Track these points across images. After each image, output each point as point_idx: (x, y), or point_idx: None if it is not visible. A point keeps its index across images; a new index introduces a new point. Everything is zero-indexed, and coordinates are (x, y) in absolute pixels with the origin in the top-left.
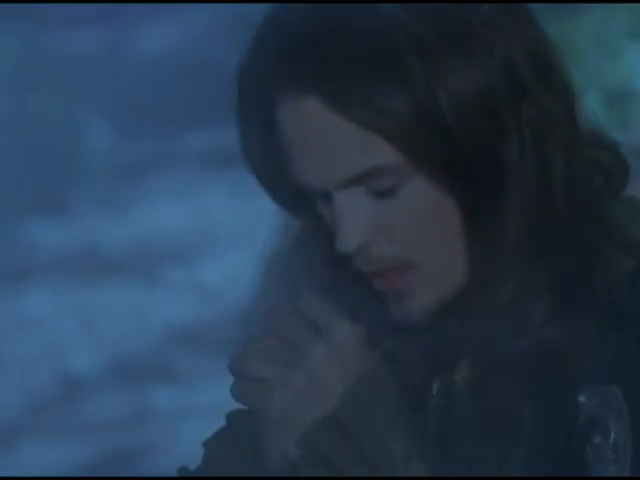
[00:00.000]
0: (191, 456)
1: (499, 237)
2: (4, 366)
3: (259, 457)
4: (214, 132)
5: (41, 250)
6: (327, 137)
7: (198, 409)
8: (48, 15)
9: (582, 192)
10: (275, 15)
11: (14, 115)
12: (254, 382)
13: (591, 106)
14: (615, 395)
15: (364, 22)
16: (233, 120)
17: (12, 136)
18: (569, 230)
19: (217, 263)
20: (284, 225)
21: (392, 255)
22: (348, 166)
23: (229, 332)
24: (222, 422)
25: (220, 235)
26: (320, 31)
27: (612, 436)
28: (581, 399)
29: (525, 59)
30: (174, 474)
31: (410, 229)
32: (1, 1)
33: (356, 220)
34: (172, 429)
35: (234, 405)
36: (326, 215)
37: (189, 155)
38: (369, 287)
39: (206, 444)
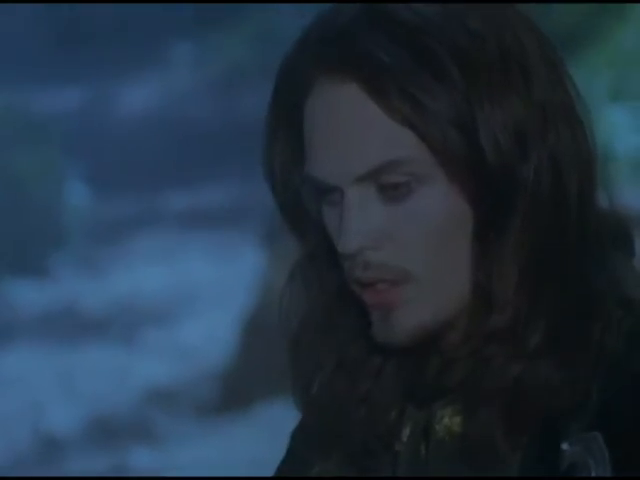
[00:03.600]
0: None
1: (507, 257)
2: None
3: None
4: (194, 192)
5: (21, 310)
6: (356, 125)
7: (177, 469)
8: (29, 73)
9: (593, 239)
10: (324, 13)
11: None
12: None
13: None
14: (597, 441)
15: (413, 25)
16: (213, 180)
17: None
18: (576, 268)
19: (196, 323)
20: (263, 285)
21: (393, 264)
22: (369, 158)
23: (208, 392)
24: None
25: (199, 295)
26: (370, 24)
27: None
28: (564, 447)
29: (558, 103)
30: None
31: (416, 238)
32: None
33: (362, 220)
34: None
35: (212, 464)
36: (331, 221)
37: (169, 216)
38: (359, 316)
39: None
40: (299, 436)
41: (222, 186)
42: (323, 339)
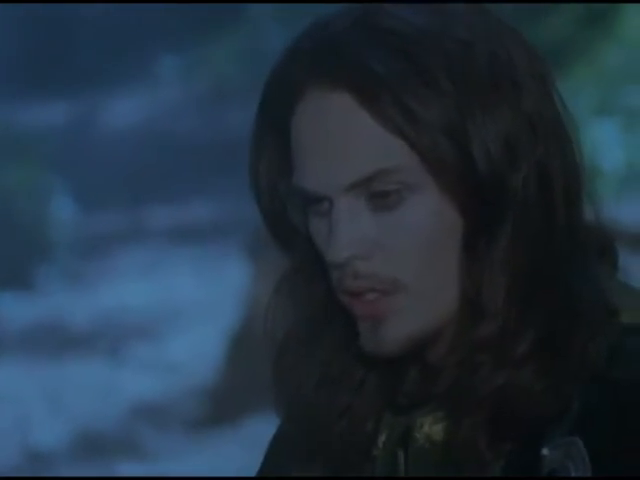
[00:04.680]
0: None
1: (496, 266)
2: None
3: None
4: (180, 207)
5: (7, 324)
6: (347, 134)
7: None
8: (15, 89)
9: (579, 251)
10: (314, 23)
11: None
12: None
13: None
14: (577, 446)
15: (405, 34)
16: (200, 195)
17: None
18: (563, 278)
19: (182, 339)
20: (249, 299)
21: (382, 273)
22: (360, 166)
23: (195, 407)
24: None
25: (186, 310)
26: (361, 34)
27: None
28: (544, 452)
29: (546, 115)
30: None
31: (406, 247)
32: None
33: (352, 229)
34: None
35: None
36: (319, 232)
37: (155, 231)
38: (345, 327)
39: None
40: (278, 444)
41: (208, 201)
42: (307, 352)
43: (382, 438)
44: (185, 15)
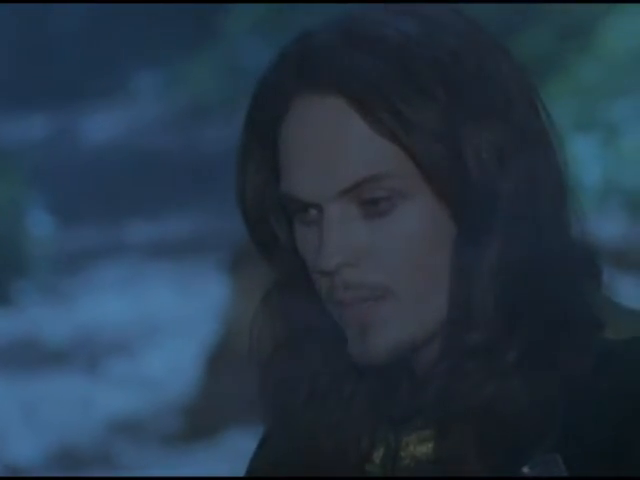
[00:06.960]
0: None
1: (487, 274)
2: None
3: None
4: (158, 223)
5: None
6: (338, 140)
7: None
8: None
9: (566, 263)
10: (300, 35)
11: None
12: None
13: None
14: (557, 463)
15: (396, 41)
16: (177, 210)
17: None
18: (549, 290)
19: (159, 354)
20: (227, 315)
21: (372, 281)
22: (352, 172)
23: (171, 423)
24: None
25: (162, 326)
26: (352, 42)
27: None
28: (525, 470)
29: (532, 127)
30: None
31: (397, 254)
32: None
33: (343, 236)
34: None
35: None
36: (307, 241)
37: (133, 246)
38: (333, 340)
39: None
40: (263, 458)
41: (187, 217)
42: (295, 366)
43: (379, 454)
44: (163, 32)
